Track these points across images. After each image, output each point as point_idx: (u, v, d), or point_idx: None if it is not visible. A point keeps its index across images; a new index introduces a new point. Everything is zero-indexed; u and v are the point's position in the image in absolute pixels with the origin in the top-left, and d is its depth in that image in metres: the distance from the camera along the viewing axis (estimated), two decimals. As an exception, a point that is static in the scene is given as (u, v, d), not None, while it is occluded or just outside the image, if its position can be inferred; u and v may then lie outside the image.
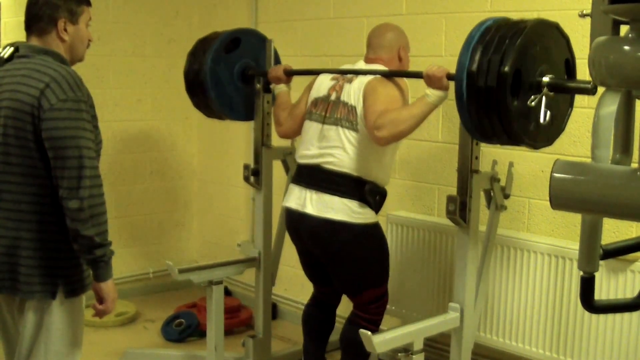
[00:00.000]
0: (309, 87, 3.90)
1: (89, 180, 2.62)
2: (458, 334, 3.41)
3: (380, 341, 3.11)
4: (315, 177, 3.68)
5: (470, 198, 3.31)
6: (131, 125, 5.64)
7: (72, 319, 2.79)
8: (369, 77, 3.62)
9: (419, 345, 3.26)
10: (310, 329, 4.09)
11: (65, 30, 2.79)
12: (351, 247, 3.65)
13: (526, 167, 3.99)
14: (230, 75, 4.29)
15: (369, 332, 3.08)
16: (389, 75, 3.64)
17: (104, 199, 2.70)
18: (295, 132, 4.01)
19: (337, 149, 3.62)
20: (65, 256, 2.73)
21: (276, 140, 4.40)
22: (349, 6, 4.86)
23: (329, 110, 3.69)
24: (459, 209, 3.30)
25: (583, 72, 3.78)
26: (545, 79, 2.93)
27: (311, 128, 3.76)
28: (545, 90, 2.92)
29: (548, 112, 2.94)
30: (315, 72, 3.95)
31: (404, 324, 3.34)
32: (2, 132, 2.68)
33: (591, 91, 2.90)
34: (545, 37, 2.99)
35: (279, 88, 4.12)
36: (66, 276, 2.74)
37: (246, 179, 4.40)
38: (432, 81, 3.34)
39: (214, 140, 6.04)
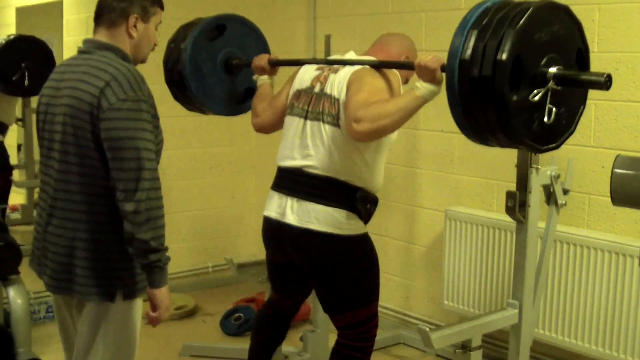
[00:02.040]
0: (292, 78, 3.50)
1: (148, 182, 2.55)
2: (516, 331, 3.39)
3: (438, 337, 3.11)
4: (297, 183, 3.29)
5: (529, 194, 3.28)
6: (190, 120, 5.68)
7: (129, 321, 2.76)
8: (357, 67, 3.24)
9: (477, 341, 3.25)
10: (261, 338, 3.76)
11: (135, 26, 2.73)
12: (336, 261, 3.28)
13: (586, 162, 3.95)
14: (212, 65, 3.85)
15: (428, 328, 3.07)
16: (378, 67, 3.26)
17: (162, 202, 2.61)
18: (272, 126, 3.60)
19: (319, 149, 3.23)
20: (122, 258, 2.66)
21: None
22: (407, 1, 4.84)
23: (312, 104, 3.29)
24: (518, 205, 3.27)
25: (599, 65, 3.75)
26: (552, 69, 2.61)
27: (292, 125, 3.36)
28: (551, 83, 2.61)
29: (554, 110, 2.64)
30: (301, 63, 3.57)
31: (462, 320, 3.33)
32: (62, 130, 2.65)
33: (604, 85, 2.61)
34: (553, 21, 2.64)
35: (262, 79, 3.70)
36: (123, 278, 2.69)
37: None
38: (423, 72, 2.91)
39: (272, 135, 6.05)
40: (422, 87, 2.91)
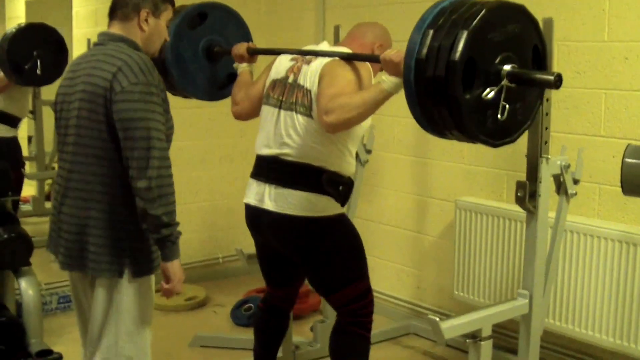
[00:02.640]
0: (269, 68, 3.59)
1: (158, 160, 2.70)
2: (527, 321, 3.38)
3: (448, 327, 3.10)
4: (273, 170, 3.40)
5: (539, 184, 3.27)
6: (200, 112, 5.69)
7: (141, 298, 2.88)
8: (328, 59, 3.33)
9: (487, 331, 3.24)
10: (262, 335, 3.85)
11: (147, 21, 2.92)
12: (316, 242, 3.39)
13: (597, 152, 3.94)
14: (193, 53, 3.89)
15: (438, 318, 3.07)
16: (348, 59, 3.32)
17: (172, 180, 2.77)
18: (249, 115, 3.68)
19: (294, 138, 3.33)
20: (133, 236, 2.81)
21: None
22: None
23: (286, 95, 3.39)
24: (528, 195, 3.26)
25: (609, 54, 3.75)
26: (506, 67, 2.67)
27: (268, 114, 3.46)
28: (505, 81, 2.66)
29: (507, 107, 2.67)
30: (278, 52, 3.65)
31: (472, 310, 3.33)
32: (77, 114, 2.81)
33: (554, 85, 2.67)
34: (507, 21, 2.69)
35: (241, 67, 3.75)
36: (134, 256, 2.82)
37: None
38: (388, 66, 3.03)
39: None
40: (387, 80, 3.01)
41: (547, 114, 3.21)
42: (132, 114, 2.69)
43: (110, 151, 2.76)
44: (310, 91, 3.30)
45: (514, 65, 2.68)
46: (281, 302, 3.81)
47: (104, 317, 2.85)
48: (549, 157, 3.28)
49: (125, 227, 2.80)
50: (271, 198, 3.37)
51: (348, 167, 3.42)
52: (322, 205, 3.35)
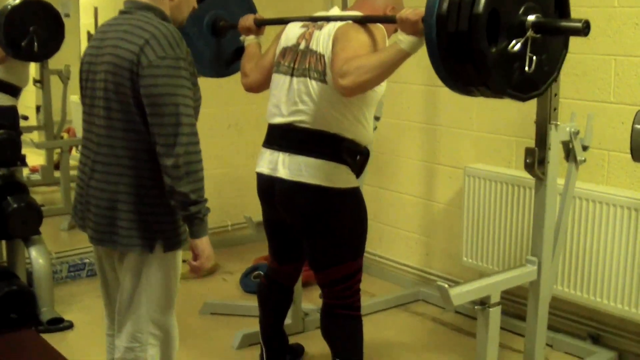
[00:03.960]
0: (278, 37, 3.52)
1: (186, 137, 2.63)
2: (535, 287, 3.39)
3: (457, 294, 3.11)
4: (287, 138, 3.32)
5: (548, 150, 3.26)
6: (209, 79, 5.68)
7: (170, 272, 2.87)
8: (341, 23, 3.26)
9: (496, 298, 3.25)
10: (266, 307, 3.83)
11: None
12: (326, 214, 3.31)
13: (606, 118, 3.92)
14: (199, 30, 3.81)
15: (446, 284, 3.08)
16: (361, 22, 3.24)
17: (201, 156, 2.70)
18: (261, 86, 3.61)
19: (308, 104, 3.26)
20: (163, 211, 2.76)
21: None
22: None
23: (298, 61, 3.32)
24: (537, 161, 3.25)
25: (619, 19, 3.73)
26: (531, 17, 2.60)
27: (279, 82, 3.39)
28: (530, 32, 2.59)
29: (534, 58, 2.63)
30: (286, 21, 3.56)
31: (481, 277, 3.34)
32: (104, 87, 2.73)
33: (582, 32, 2.60)
34: None
35: (249, 39, 3.69)
36: (164, 231, 2.78)
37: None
38: (405, 26, 2.91)
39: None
40: (404, 39, 2.91)
41: (556, 80, 3.20)
42: (159, 89, 2.62)
43: (139, 125, 2.68)
44: (323, 56, 3.22)
45: (538, 15, 2.61)
46: (285, 279, 3.78)
47: (134, 289, 2.84)
48: (558, 123, 3.27)
49: (156, 202, 2.75)
50: (285, 165, 3.30)
51: (365, 134, 3.34)
52: (338, 175, 3.28)
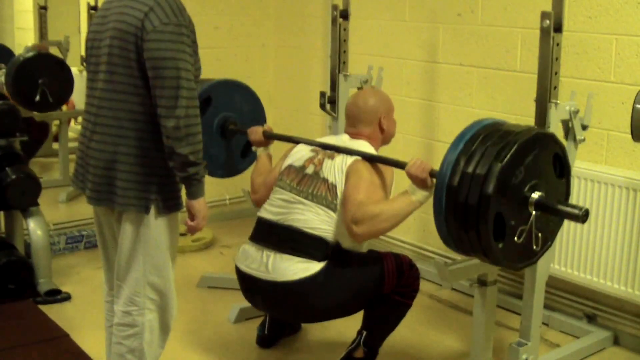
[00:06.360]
0: (285, 155, 3.71)
1: (186, 100, 2.74)
2: (532, 266, 3.40)
3: (454, 271, 3.13)
4: (273, 235, 3.47)
5: (548, 129, 3.26)
6: (208, 52, 5.62)
7: (167, 233, 2.95)
8: (353, 158, 3.41)
9: (493, 276, 3.27)
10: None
11: None
12: (324, 295, 3.37)
13: (606, 98, 3.91)
14: (209, 136, 3.94)
15: (443, 262, 3.09)
16: (371, 160, 3.44)
17: (199, 120, 2.81)
18: None
19: (308, 215, 3.39)
20: (161, 173, 2.86)
21: (352, 68, 4.37)
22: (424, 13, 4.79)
23: (304, 184, 3.45)
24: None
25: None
26: (534, 195, 2.76)
27: (279, 195, 3.54)
28: (533, 214, 2.76)
29: (540, 235, 2.81)
30: (295, 141, 3.77)
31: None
32: (108, 52, 2.83)
33: (580, 218, 2.74)
34: (539, 148, 2.81)
35: (260, 151, 3.93)
36: (161, 192, 2.87)
37: (322, 106, 4.36)
38: (414, 181, 3.16)
39: (291, 68, 6.04)
40: (416, 193, 3.17)
41: (557, 59, 3.19)
42: (162, 53, 2.72)
43: (141, 88, 2.80)
44: (335, 187, 3.38)
45: (540, 194, 2.76)
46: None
47: (132, 251, 2.93)
48: (558, 102, 3.27)
49: (153, 163, 2.85)
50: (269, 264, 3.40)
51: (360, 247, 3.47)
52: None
